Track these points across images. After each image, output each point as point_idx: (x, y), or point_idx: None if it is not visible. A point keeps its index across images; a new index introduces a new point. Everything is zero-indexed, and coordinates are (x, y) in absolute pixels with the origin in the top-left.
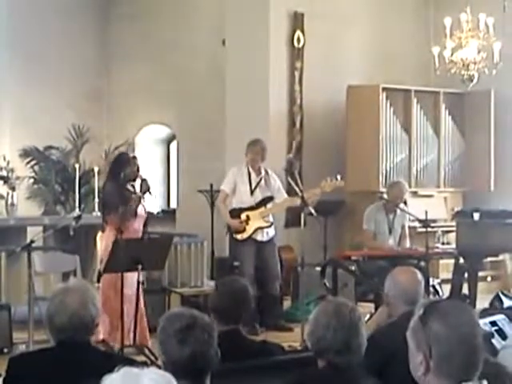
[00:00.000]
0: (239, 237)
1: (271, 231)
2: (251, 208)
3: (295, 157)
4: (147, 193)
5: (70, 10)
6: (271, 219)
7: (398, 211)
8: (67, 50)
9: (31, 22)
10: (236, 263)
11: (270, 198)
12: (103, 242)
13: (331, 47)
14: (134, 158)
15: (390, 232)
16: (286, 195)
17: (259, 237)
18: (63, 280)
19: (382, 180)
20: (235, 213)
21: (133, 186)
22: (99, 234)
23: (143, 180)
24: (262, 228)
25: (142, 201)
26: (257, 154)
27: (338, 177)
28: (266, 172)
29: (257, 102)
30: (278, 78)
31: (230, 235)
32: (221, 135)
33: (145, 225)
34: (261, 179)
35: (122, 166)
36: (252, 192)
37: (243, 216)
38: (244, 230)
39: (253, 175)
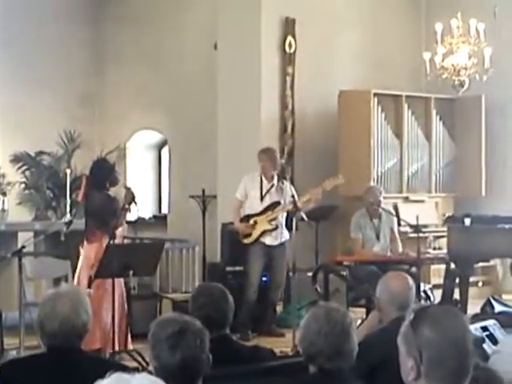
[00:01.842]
0: (246, 241)
1: (281, 235)
2: (259, 213)
3: (287, 162)
4: (132, 203)
5: (62, 14)
6: (281, 220)
7: (384, 216)
8: (59, 53)
9: (23, 25)
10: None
11: (278, 203)
12: (88, 260)
13: (323, 53)
14: (114, 164)
15: (378, 237)
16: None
17: (268, 241)
18: (54, 285)
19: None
20: (245, 219)
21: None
22: (85, 244)
23: (128, 189)
24: (267, 231)
25: (128, 211)
26: (266, 161)
27: (340, 176)
28: (282, 182)
29: (248, 107)
30: (270, 84)
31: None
32: (212, 140)
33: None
34: (272, 186)
35: (107, 173)
36: (262, 198)
37: (251, 221)
38: (250, 235)
39: (264, 182)
